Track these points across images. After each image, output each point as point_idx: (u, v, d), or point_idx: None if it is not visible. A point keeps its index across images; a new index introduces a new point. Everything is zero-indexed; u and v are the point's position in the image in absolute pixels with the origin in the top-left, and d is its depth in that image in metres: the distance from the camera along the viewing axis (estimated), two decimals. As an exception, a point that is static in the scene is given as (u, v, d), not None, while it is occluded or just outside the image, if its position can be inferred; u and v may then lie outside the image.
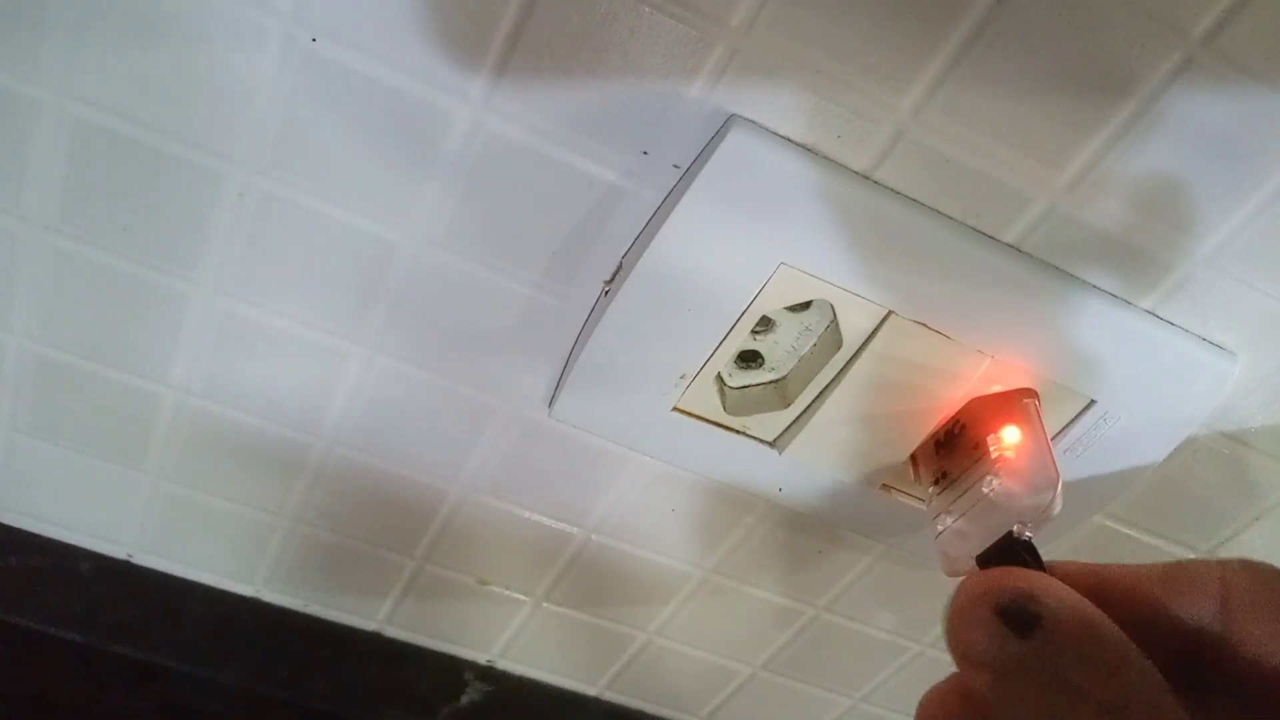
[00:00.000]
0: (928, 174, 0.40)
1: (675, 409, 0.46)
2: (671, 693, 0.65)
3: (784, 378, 0.46)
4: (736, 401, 0.46)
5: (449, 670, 0.63)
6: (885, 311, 0.42)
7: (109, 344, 0.48)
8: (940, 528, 0.42)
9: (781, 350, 0.45)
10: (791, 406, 0.46)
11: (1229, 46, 0.35)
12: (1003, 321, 0.42)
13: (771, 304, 0.42)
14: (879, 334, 0.42)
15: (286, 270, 0.45)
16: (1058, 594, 0.27)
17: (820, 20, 0.36)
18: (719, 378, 0.46)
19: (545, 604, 0.59)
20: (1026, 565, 0.35)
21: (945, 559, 0.41)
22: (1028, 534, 0.36)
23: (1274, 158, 0.38)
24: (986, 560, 0.36)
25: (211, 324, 0.47)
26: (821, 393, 0.45)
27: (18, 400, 0.50)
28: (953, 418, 0.45)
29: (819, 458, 0.47)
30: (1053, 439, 0.45)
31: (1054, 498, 0.37)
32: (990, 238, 0.41)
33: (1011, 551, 0.35)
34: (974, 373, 0.43)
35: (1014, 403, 0.43)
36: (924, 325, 0.42)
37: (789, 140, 0.39)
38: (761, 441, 0.47)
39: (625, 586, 0.58)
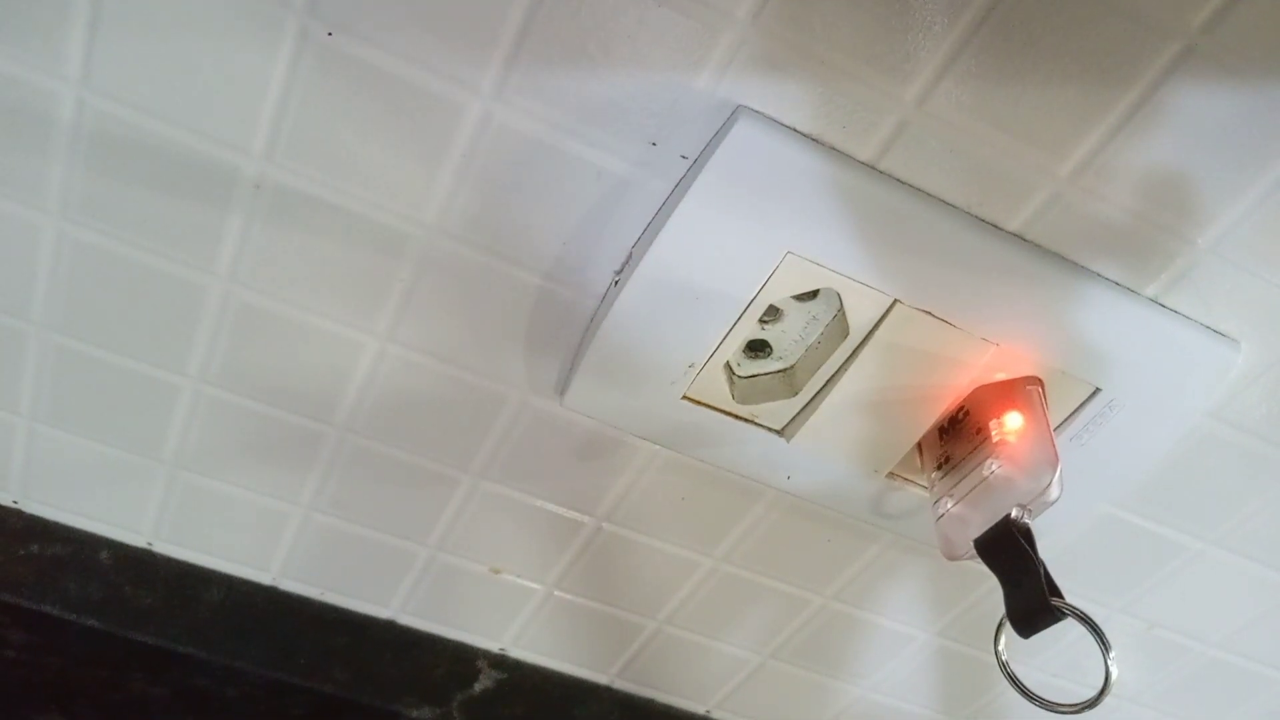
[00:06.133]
0: (932, 163, 0.40)
1: (684, 398, 0.46)
2: (681, 681, 0.65)
3: (791, 367, 0.47)
4: (745, 390, 0.47)
5: (462, 658, 0.63)
6: (891, 300, 0.42)
7: (127, 334, 0.49)
8: (941, 511, 0.43)
9: (789, 339, 0.46)
10: (799, 395, 0.46)
11: (1229, 36, 0.36)
12: (1007, 310, 0.42)
13: (779, 293, 0.42)
14: (885, 323, 0.43)
15: (301, 261, 0.45)
16: None
17: (825, 12, 0.36)
18: (727, 367, 0.46)
19: (556, 592, 0.60)
20: (1022, 550, 0.35)
21: (945, 542, 0.42)
22: (1026, 519, 0.36)
23: (1276, 146, 0.39)
24: (984, 544, 0.36)
25: (228, 314, 0.47)
26: (828, 381, 0.45)
27: (38, 390, 0.51)
28: (957, 405, 0.45)
29: (826, 446, 0.47)
30: (1057, 427, 0.46)
31: (1053, 481, 0.37)
32: (994, 226, 0.42)
33: (1008, 536, 0.36)
34: (979, 361, 0.44)
35: (1018, 390, 0.43)
36: (929, 314, 0.42)
37: (795, 131, 0.39)
38: (769, 430, 0.48)
39: (635, 575, 0.59)
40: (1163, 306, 0.44)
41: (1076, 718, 0.41)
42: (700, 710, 0.67)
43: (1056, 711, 0.41)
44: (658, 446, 0.51)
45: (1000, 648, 0.44)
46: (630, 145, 0.41)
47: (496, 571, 0.59)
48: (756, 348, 0.46)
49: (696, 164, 0.41)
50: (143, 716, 0.61)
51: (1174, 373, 0.44)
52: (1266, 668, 0.63)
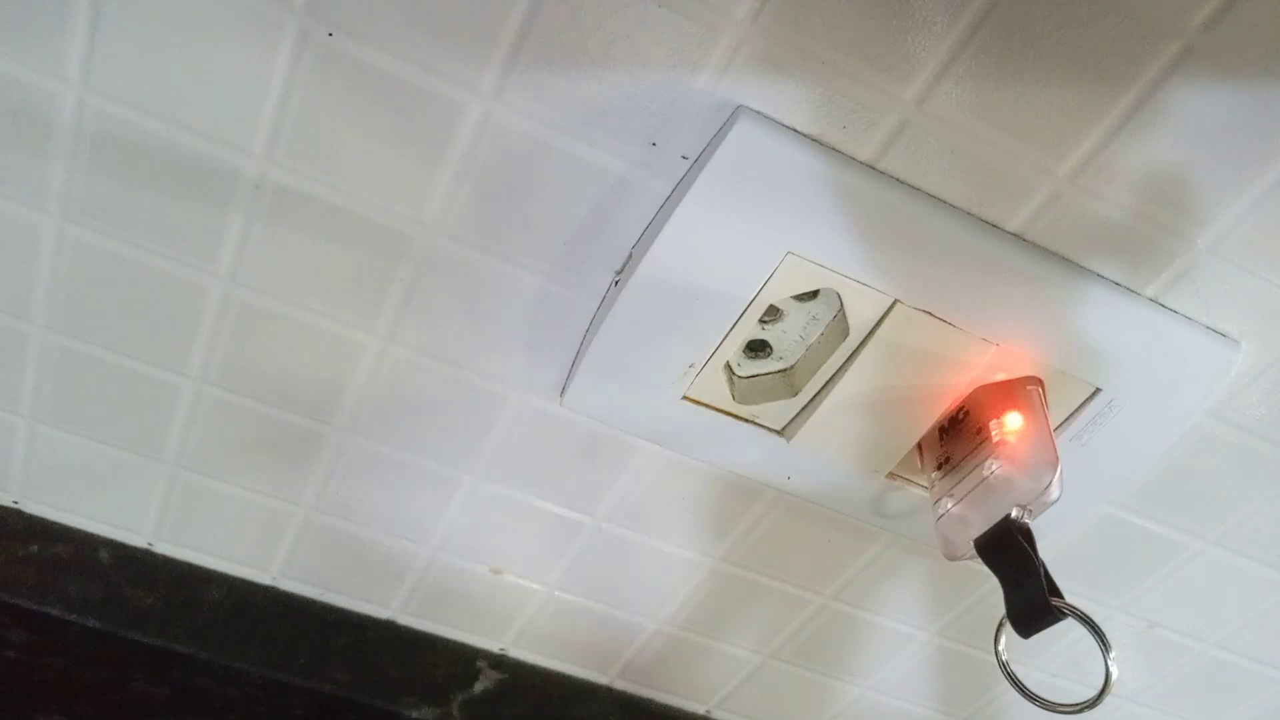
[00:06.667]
0: (932, 163, 0.40)
1: (685, 398, 0.46)
2: (681, 681, 0.65)
3: (792, 367, 0.47)
4: (745, 390, 0.47)
5: (462, 658, 0.63)
6: (891, 300, 0.42)
7: (128, 334, 0.49)
8: (941, 511, 0.43)
9: (789, 339, 0.46)
10: (799, 395, 0.46)
11: (1229, 36, 0.36)
12: (1007, 310, 0.43)
13: (779, 293, 0.42)
14: (885, 323, 0.43)
15: (302, 261, 0.45)
16: None
17: (825, 12, 0.36)
18: (727, 367, 0.46)
19: (557, 592, 0.60)
20: (1022, 550, 0.35)
21: (945, 542, 0.42)
22: (1026, 519, 0.36)
23: (1275, 145, 0.39)
24: (984, 544, 0.36)
25: (228, 314, 0.47)
26: (829, 381, 0.45)
27: (38, 390, 0.51)
28: (957, 405, 0.45)
29: (826, 446, 0.47)
30: (1057, 427, 0.46)
31: (1053, 481, 0.37)
32: (994, 226, 0.42)
33: (1008, 536, 0.36)
34: (979, 361, 0.44)
35: (1018, 390, 0.43)
36: (929, 314, 0.43)
37: (795, 131, 0.40)
38: (770, 430, 0.48)
39: (635, 575, 0.59)
40: (1162, 306, 0.44)
41: (1076, 718, 0.41)
42: (700, 710, 0.67)
43: (1056, 711, 0.41)
44: (658, 447, 0.51)
45: (1000, 648, 0.44)
46: (630, 145, 0.41)
47: (497, 572, 0.59)
48: (756, 348, 0.46)
49: (696, 164, 0.41)
50: (143, 716, 0.61)
51: (1174, 372, 0.44)
52: (1267, 667, 0.63)
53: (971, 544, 0.40)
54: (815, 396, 0.46)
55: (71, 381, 0.51)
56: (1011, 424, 0.42)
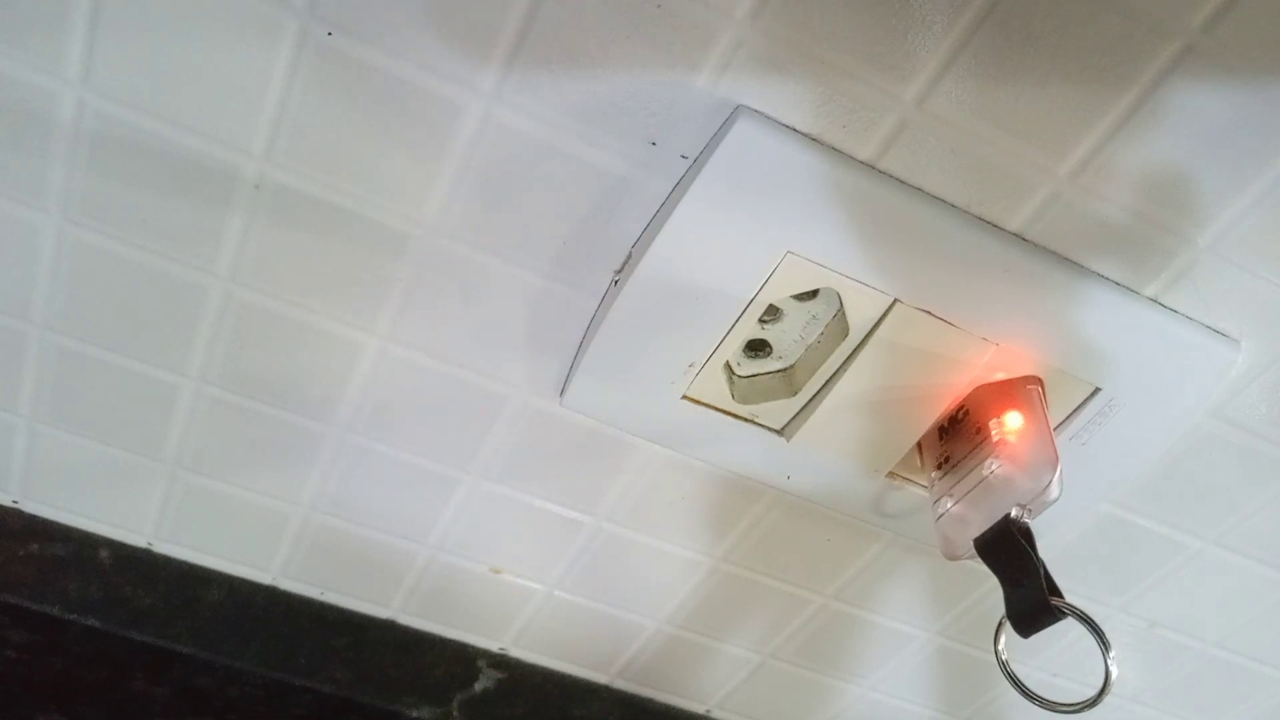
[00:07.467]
0: (932, 163, 0.40)
1: (684, 397, 0.46)
2: (681, 681, 0.65)
3: (791, 366, 0.47)
4: (745, 390, 0.47)
5: (462, 657, 0.63)
6: (891, 300, 0.42)
7: (127, 334, 0.49)
8: (941, 511, 0.43)
9: (789, 339, 0.46)
10: (799, 395, 0.46)
11: (1229, 35, 0.36)
12: (1007, 309, 0.43)
13: (779, 293, 0.42)
14: (885, 322, 0.43)
15: (301, 261, 0.45)
16: None
17: (824, 11, 0.36)
18: (727, 366, 0.46)
19: (557, 592, 0.60)
20: (1022, 550, 0.35)
21: (945, 542, 0.42)
22: (1026, 518, 0.36)
23: (1275, 145, 0.39)
24: (983, 544, 0.36)
25: (228, 314, 0.47)
26: (828, 381, 0.45)
27: (38, 390, 0.51)
28: (957, 404, 0.45)
29: (826, 445, 0.47)
30: (1057, 427, 0.46)
31: (1053, 481, 0.37)
32: (994, 226, 0.42)
33: (1008, 536, 0.36)
34: (979, 360, 0.44)
35: (1017, 389, 0.43)
36: (929, 313, 0.42)
37: (795, 130, 0.39)
38: (769, 429, 0.48)
39: (635, 575, 0.59)
40: (1162, 306, 0.44)
41: (1077, 717, 0.41)
42: (700, 710, 0.67)
43: (1056, 711, 0.41)
44: (658, 446, 0.51)
45: (1000, 647, 0.44)
46: (630, 145, 0.41)
47: (497, 571, 0.59)
48: (756, 347, 0.46)
49: (696, 164, 0.41)
50: (143, 716, 0.61)
51: (1174, 372, 0.44)
52: (1266, 666, 0.63)
53: (971, 543, 0.40)
54: (815, 396, 0.46)
55: (71, 381, 0.51)
56: (1011, 423, 0.42)
